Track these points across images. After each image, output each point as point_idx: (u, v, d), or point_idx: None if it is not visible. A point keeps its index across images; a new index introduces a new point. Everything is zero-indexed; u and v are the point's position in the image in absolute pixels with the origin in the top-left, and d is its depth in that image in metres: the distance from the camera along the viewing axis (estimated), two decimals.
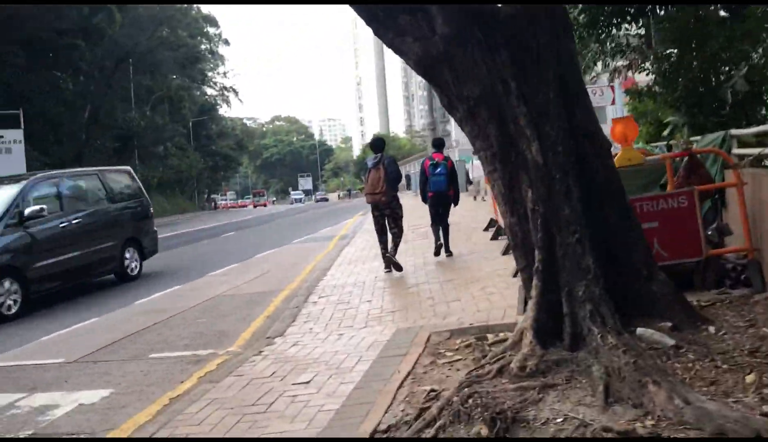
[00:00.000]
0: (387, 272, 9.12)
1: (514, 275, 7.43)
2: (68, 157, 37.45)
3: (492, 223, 12.47)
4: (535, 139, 4.01)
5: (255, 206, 73.63)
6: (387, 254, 9.06)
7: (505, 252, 9.15)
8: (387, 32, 4.27)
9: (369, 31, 4.47)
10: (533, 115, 4.02)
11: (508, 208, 4.41)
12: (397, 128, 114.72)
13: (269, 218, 32.74)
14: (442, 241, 9.76)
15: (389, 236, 9.19)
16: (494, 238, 11.03)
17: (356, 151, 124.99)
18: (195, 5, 59.11)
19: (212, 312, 8.47)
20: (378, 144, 9.22)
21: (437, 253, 9.74)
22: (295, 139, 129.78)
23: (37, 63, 34.60)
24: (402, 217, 9.16)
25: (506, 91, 4.12)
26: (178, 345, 6.81)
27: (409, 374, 4.59)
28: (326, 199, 75.22)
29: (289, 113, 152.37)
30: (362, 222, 19.71)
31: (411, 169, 56.45)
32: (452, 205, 9.85)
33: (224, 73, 68.78)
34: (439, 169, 9.47)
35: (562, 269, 4.10)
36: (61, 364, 6.50)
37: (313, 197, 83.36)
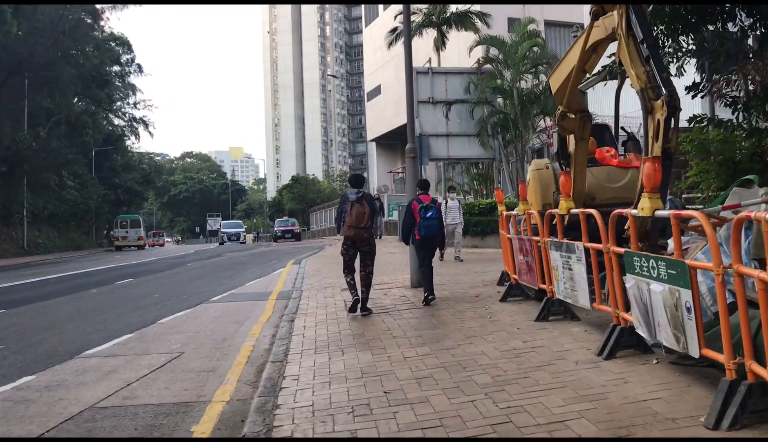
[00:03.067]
0: (354, 314, 8.72)
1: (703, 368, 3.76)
2: None
3: (507, 279, 9.12)
4: None
5: (152, 246, 66.27)
6: (357, 297, 8.74)
7: (609, 353, 5.46)
8: None
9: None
10: None
11: None
12: (314, 171, 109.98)
13: (178, 262, 27.45)
14: (433, 294, 9.32)
15: (357, 277, 8.81)
16: (542, 313, 7.37)
17: (271, 193, 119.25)
18: (106, 25, 53.73)
19: None
20: (359, 179, 9.12)
21: (428, 303, 9.14)
22: (206, 177, 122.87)
23: None
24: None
25: None
26: None
27: None
28: (298, 237, 50.98)
29: (201, 150, 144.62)
30: (300, 274, 15.55)
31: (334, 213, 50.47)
32: (438, 249, 9.80)
33: (135, 104, 62.83)
34: (431, 213, 9.11)
35: None
36: None
37: (275, 231, 55.62)
